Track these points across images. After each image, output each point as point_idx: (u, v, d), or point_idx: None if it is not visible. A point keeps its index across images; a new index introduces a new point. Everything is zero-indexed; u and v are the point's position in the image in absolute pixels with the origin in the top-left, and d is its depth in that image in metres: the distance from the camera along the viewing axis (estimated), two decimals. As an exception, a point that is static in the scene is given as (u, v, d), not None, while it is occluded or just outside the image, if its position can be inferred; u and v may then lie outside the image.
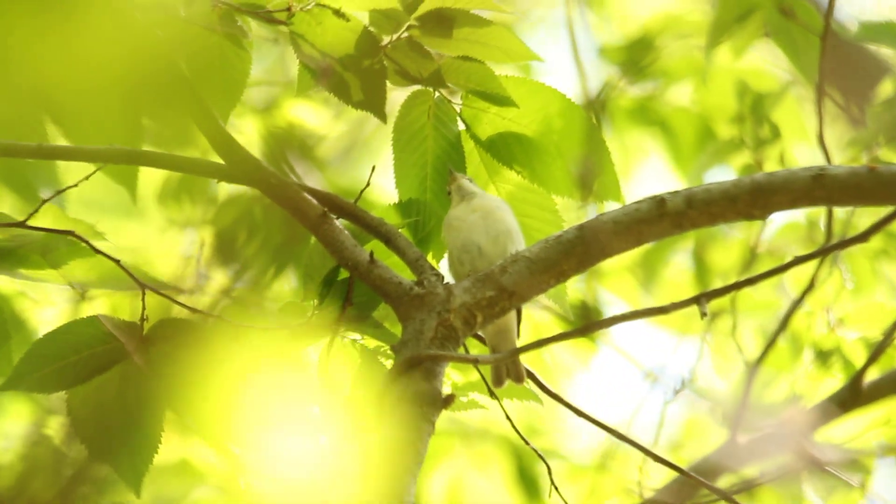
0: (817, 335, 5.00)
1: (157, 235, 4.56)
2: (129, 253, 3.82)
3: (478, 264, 3.61)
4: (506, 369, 3.69)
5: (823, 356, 4.97)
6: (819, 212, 5.38)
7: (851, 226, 4.94)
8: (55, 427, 3.84)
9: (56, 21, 3.34)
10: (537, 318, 5.67)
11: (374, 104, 3.68)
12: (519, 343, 3.71)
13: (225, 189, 4.52)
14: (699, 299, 3.48)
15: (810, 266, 4.84)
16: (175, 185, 4.66)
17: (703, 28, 5.48)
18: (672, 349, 5.42)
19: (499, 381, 3.70)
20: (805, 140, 5.50)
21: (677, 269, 5.88)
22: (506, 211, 3.71)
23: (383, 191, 4.35)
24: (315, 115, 5.15)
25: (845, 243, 3.63)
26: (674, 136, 5.85)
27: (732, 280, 5.54)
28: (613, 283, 5.99)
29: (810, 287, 4.80)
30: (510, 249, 3.62)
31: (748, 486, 3.85)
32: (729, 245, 5.68)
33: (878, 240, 5.16)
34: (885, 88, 4.81)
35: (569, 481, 5.69)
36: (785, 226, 5.44)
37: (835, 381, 4.98)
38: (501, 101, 3.74)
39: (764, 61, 5.56)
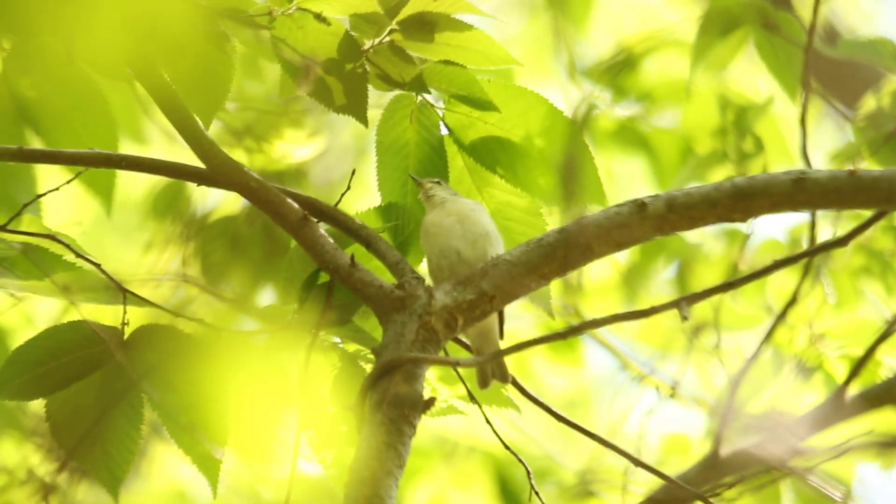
0: (799, 349, 4.99)
1: (135, 248, 4.54)
2: (108, 262, 3.81)
3: (458, 269, 3.59)
4: (491, 370, 3.67)
5: (805, 370, 4.96)
6: (801, 228, 5.38)
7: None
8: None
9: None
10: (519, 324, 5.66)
11: (356, 109, 3.68)
12: (502, 344, 3.69)
13: (204, 197, 4.51)
14: (679, 303, 3.47)
15: (793, 280, 4.83)
16: (157, 197, 4.65)
17: (686, 47, 5.50)
18: (655, 363, 5.40)
19: (484, 383, 3.68)
20: (788, 158, 5.50)
21: (660, 288, 5.86)
22: (481, 213, 3.70)
23: (364, 196, 4.33)
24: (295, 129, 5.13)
25: (827, 246, 3.63)
26: (656, 156, 5.84)
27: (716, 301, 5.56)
28: (596, 301, 5.97)
29: (793, 301, 4.79)
30: (489, 252, 3.60)
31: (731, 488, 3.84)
32: (711, 262, 5.66)
33: (860, 257, 5.15)
34: (869, 102, 4.82)
35: (556, 492, 5.66)
36: (766, 242, 5.44)
37: (816, 395, 4.96)
38: (484, 105, 3.74)
39: (747, 77, 5.57)
